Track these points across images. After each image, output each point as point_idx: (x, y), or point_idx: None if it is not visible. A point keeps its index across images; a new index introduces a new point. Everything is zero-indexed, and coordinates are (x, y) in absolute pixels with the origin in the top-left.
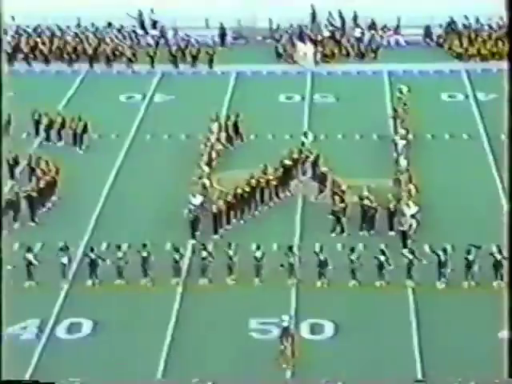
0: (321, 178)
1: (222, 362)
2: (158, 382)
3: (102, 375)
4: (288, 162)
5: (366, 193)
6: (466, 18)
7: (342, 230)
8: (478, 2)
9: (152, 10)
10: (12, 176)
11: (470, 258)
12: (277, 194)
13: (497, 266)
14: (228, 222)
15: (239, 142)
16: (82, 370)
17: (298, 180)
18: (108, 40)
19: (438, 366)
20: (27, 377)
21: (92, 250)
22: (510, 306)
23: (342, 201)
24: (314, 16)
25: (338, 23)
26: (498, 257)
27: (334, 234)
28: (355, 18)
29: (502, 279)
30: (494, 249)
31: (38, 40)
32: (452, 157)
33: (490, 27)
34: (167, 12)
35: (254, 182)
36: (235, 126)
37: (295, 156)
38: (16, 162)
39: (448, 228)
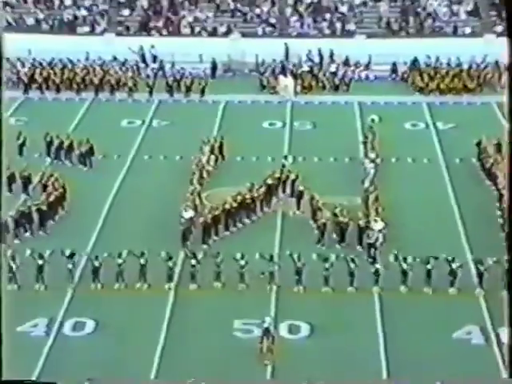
0: (298, 196)
1: (210, 357)
2: (153, 382)
3: (101, 369)
4: (270, 182)
5: (338, 209)
6: (428, 57)
7: (323, 242)
8: (439, 43)
9: (152, 46)
10: (26, 191)
11: (429, 266)
12: (260, 209)
13: (453, 273)
14: (216, 234)
15: (225, 163)
16: (84, 364)
17: (278, 198)
18: (112, 72)
19: (400, 364)
20: (38, 368)
21: (96, 257)
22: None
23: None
24: (287, 53)
25: (317, 59)
26: (454, 265)
27: (319, 246)
28: (331, 55)
29: (453, 285)
30: (450, 260)
31: (51, 71)
32: (414, 178)
33: (448, 65)
34: (166, 48)
35: (240, 198)
36: (220, 147)
37: (277, 176)
38: (29, 179)
39: (410, 241)
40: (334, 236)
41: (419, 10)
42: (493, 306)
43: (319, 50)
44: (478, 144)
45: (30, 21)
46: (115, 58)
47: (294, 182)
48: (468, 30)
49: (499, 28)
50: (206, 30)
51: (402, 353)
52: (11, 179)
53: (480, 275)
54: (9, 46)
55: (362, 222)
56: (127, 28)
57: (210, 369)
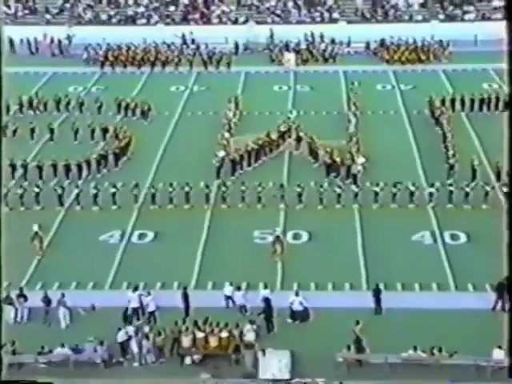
0: (298, 140)
1: (237, 257)
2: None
3: (158, 268)
4: (281, 129)
5: (330, 149)
6: (392, 37)
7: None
8: (400, 27)
9: (191, 32)
10: (104, 138)
11: (394, 190)
12: (273, 150)
13: (411, 193)
14: (241, 168)
15: (246, 116)
16: (146, 262)
17: (286, 141)
18: (162, 51)
19: (373, 254)
20: (115, 263)
21: (153, 186)
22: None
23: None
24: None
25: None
26: (412, 188)
27: (330, 177)
28: (322, 37)
29: (412, 202)
30: (410, 184)
31: (119, 52)
32: (384, 126)
33: (406, 43)
34: (201, 33)
35: (258, 142)
36: (236, 104)
37: (284, 125)
38: (107, 130)
39: (381, 171)
40: (328, 169)
41: (385, 2)
42: (439, 217)
43: (312, 33)
44: (429, 100)
45: (104, 16)
46: (164, 42)
47: (296, 129)
48: (420, 18)
49: (441, 16)
50: (230, 19)
51: (374, 248)
52: (94, 131)
53: (430, 194)
54: (89, 35)
55: (349, 161)
56: (173, 20)
57: (236, 266)
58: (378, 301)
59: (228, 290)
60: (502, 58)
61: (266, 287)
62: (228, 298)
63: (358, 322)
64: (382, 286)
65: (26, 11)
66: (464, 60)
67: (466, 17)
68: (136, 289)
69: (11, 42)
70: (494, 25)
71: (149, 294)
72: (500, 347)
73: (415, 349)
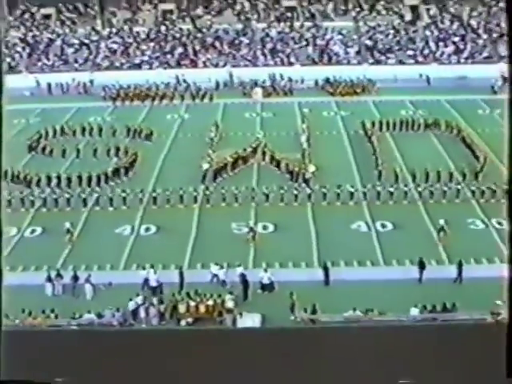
0: (265, 154)
1: (220, 243)
2: None
3: (160, 254)
4: (251, 147)
5: (288, 161)
6: (334, 76)
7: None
8: (340, 69)
9: (183, 74)
10: (117, 156)
11: (338, 190)
12: (245, 163)
13: (351, 193)
14: (221, 176)
15: (225, 137)
16: (151, 248)
17: (255, 155)
18: (160, 89)
19: (323, 237)
20: (127, 249)
21: (154, 190)
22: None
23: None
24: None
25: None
26: (351, 189)
27: (289, 182)
28: (282, 76)
29: (352, 199)
30: (349, 186)
31: (127, 90)
32: (329, 142)
33: (345, 81)
34: (190, 75)
35: (234, 156)
36: (217, 127)
37: (254, 144)
38: (118, 149)
39: (326, 176)
40: (287, 175)
41: (329, 51)
42: (372, 210)
43: (274, 74)
44: (363, 123)
45: (117, 64)
46: (162, 82)
47: (263, 146)
48: (355, 62)
49: (371, 61)
50: (212, 64)
51: (323, 235)
52: (109, 150)
53: (364, 194)
54: (106, 78)
55: (302, 168)
56: (169, 65)
57: (219, 250)
58: (326, 275)
59: (214, 268)
60: (416, 92)
61: (240, 265)
62: (214, 275)
63: (292, 293)
64: (329, 264)
65: (61, 62)
66: (387, 93)
67: (389, 61)
68: (144, 269)
69: (49, 85)
70: (409, 67)
71: (154, 272)
72: (416, 306)
73: (354, 310)
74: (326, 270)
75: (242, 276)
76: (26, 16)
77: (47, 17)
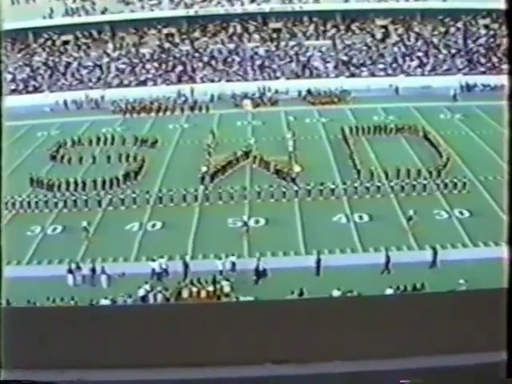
0: (255, 157)
1: (217, 236)
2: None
3: (164, 246)
4: (243, 151)
5: (276, 163)
6: (315, 88)
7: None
8: (319, 82)
9: (182, 89)
10: (127, 162)
11: (321, 188)
12: (238, 164)
13: (332, 190)
14: (218, 177)
15: (220, 143)
16: (156, 241)
17: (247, 159)
18: (163, 103)
19: (308, 224)
20: (136, 243)
21: (160, 190)
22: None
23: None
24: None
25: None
26: (332, 186)
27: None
28: (269, 89)
29: (333, 195)
30: (331, 183)
31: (134, 104)
32: (312, 145)
33: (325, 92)
34: (189, 90)
35: (230, 159)
36: (213, 135)
37: (246, 149)
38: (128, 156)
39: (310, 175)
40: (276, 176)
41: (310, 66)
42: (351, 204)
43: (263, 86)
44: (341, 129)
45: (125, 82)
46: (164, 96)
47: (254, 150)
48: (333, 75)
49: (347, 73)
50: (208, 79)
51: (309, 227)
52: (120, 157)
53: (344, 190)
54: (115, 94)
55: (289, 169)
56: (171, 81)
57: (217, 243)
58: (318, 266)
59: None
60: (386, 100)
61: (233, 255)
62: (221, 271)
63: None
64: (315, 253)
65: (77, 81)
66: (361, 102)
67: (362, 74)
68: (153, 260)
69: (65, 102)
70: (380, 79)
71: (160, 263)
72: (391, 287)
73: (338, 290)
74: (318, 261)
75: (256, 267)
76: (49, 43)
77: (66, 42)
